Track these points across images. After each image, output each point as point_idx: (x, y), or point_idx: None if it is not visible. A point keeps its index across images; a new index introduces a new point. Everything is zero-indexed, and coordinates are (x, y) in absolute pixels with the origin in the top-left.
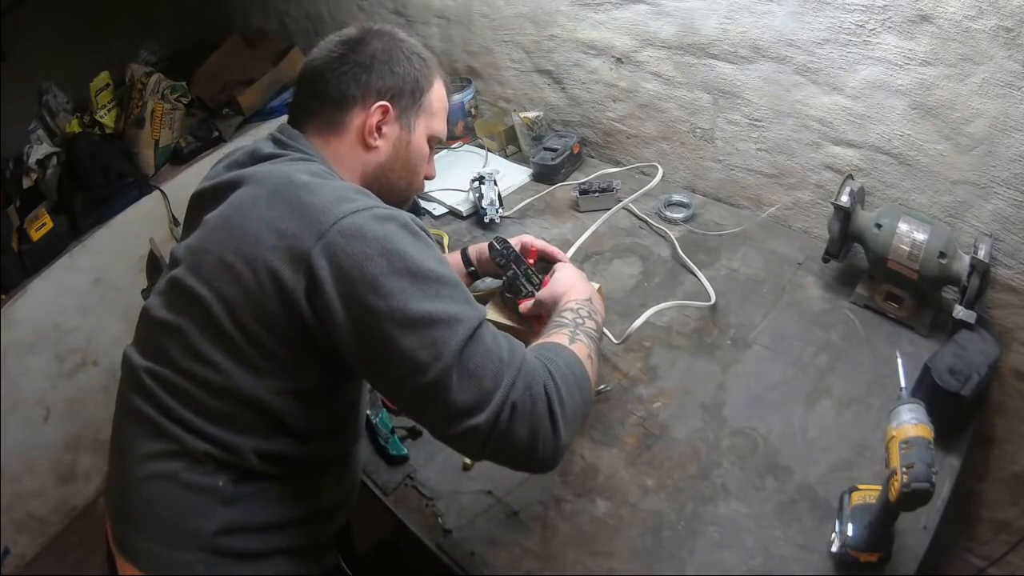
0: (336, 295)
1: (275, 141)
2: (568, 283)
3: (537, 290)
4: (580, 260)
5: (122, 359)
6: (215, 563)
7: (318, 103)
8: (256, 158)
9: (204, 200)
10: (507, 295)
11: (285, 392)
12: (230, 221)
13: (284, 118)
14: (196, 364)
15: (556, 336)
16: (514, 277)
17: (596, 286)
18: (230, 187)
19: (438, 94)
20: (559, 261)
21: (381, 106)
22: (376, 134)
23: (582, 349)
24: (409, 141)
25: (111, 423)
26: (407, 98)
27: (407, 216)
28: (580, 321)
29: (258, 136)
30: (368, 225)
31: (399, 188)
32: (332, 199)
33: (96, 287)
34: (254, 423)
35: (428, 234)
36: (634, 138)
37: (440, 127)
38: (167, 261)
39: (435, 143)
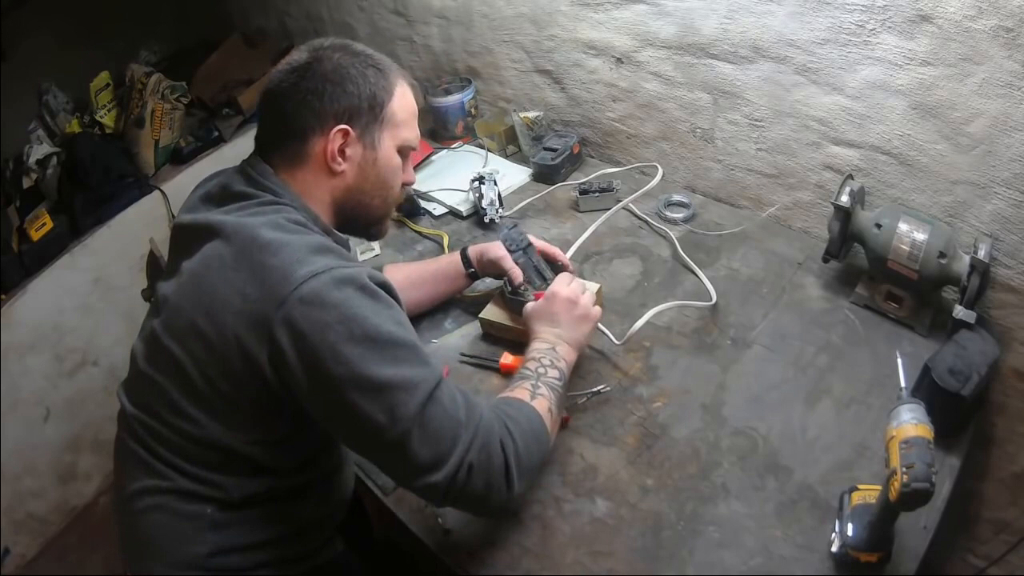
0: (297, 363)
1: (246, 177)
2: (538, 321)
3: (546, 285)
4: (580, 260)
5: (118, 394)
6: None
7: (279, 136)
8: (227, 195)
9: (183, 238)
10: (508, 295)
11: (258, 442)
12: (200, 281)
13: None
14: (175, 417)
15: (519, 391)
16: (524, 266)
17: (596, 287)
18: (205, 234)
19: (401, 103)
20: (559, 262)
21: (340, 130)
22: (340, 158)
23: (542, 404)
24: (375, 159)
25: (111, 423)
26: (366, 115)
27: (365, 276)
28: (542, 371)
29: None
30: (326, 291)
31: (374, 206)
32: (292, 261)
33: (96, 287)
34: (234, 466)
35: (389, 289)
36: (634, 138)
37: (409, 134)
38: (158, 289)
39: (408, 151)
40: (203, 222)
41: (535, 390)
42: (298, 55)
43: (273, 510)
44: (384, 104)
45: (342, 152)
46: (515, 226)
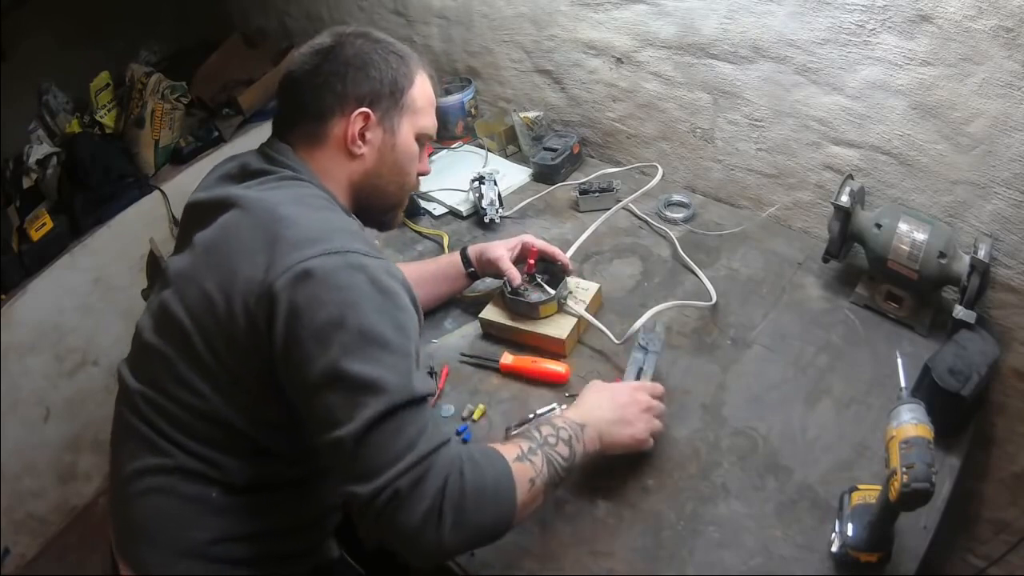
0: (282, 331)
1: (264, 156)
2: (593, 392)
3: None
4: (580, 260)
5: (118, 373)
6: (215, 570)
7: (299, 117)
8: (247, 173)
9: (197, 213)
10: (508, 295)
11: (260, 421)
12: (213, 250)
13: None
14: (182, 390)
15: (509, 447)
16: (633, 361)
17: (596, 287)
18: (221, 207)
19: (421, 90)
20: (560, 262)
21: (361, 113)
22: (360, 141)
23: (524, 469)
24: (394, 144)
25: (111, 423)
26: (387, 100)
27: (383, 268)
28: (552, 442)
29: (261, 135)
30: (336, 272)
31: (390, 192)
32: (307, 237)
33: (96, 287)
34: (238, 446)
35: (408, 290)
36: (634, 138)
37: (427, 122)
38: (166, 265)
39: (425, 139)
40: (220, 196)
41: (527, 454)
42: (321, 39)
43: (276, 499)
44: (405, 90)
45: (362, 135)
46: (654, 329)
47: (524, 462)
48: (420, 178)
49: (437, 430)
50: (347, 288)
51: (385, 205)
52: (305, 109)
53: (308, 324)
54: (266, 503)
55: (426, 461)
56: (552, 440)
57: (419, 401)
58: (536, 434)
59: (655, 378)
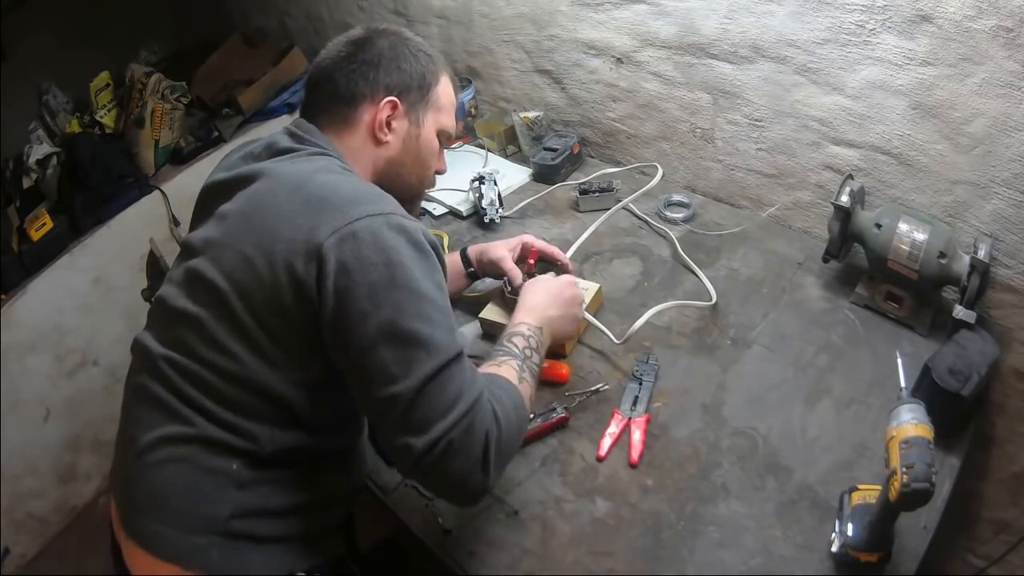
0: (333, 291)
1: (291, 135)
2: (537, 294)
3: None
4: (580, 260)
5: (133, 345)
6: (229, 547)
7: (329, 101)
8: (273, 151)
9: (219, 191)
10: (508, 295)
11: (296, 383)
12: (249, 216)
13: (284, 118)
14: (214, 353)
15: (506, 369)
16: (628, 391)
17: (596, 287)
18: (246, 181)
19: (445, 89)
20: (560, 262)
21: (390, 101)
22: (386, 129)
23: (527, 390)
24: (418, 135)
25: (111, 423)
26: (415, 93)
27: (420, 231)
28: (529, 354)
29: (261, 135)
30: (381, 233)
31: (410, 183)
32: (350, 199)
33: (96, 287)
34: (267, 413)
35: (438, 252)
36: (634, 138)
37: (449, 122)
38: (167, 261)
39: (445, 138)
40: (247, 171)
41: (521, 373)
42: (355, 32)
43: (298, 475)
44: (431, 87)
45: (388, 123)
46: (648, 361)
47: (524, 382)
48: (436, 176)
49: (475, 381)
50: (392, 248)
51: (404, 195)
52: (336, 94)
53: (360, 282)
54: (286, 479)
55: (471, 412)
56: (528, 352)
57: (462, 355)
58: (515, 349)
59: (651, 401)
